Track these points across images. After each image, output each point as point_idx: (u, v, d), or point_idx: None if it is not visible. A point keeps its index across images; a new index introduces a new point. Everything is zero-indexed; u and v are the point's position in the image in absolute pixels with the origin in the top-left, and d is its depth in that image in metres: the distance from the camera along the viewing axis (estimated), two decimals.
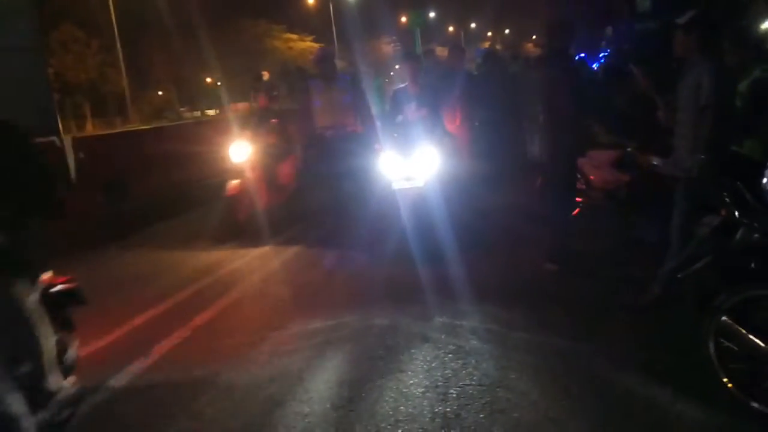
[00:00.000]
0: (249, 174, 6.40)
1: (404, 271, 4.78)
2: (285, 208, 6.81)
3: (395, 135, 5.58)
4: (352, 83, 6.00)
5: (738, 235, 2.62)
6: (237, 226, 6.32)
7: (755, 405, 2.54)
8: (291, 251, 5.84)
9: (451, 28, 54.50)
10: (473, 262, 4.80)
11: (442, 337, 3.61)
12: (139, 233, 7.25)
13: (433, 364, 3.29)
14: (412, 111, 5.60)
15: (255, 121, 6.80)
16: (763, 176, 2.58)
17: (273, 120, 6.77)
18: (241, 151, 6.51)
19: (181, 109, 43.51)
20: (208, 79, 44.93)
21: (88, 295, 3.22)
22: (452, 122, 6.54)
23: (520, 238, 5.44)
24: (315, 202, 6.73)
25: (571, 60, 4.83)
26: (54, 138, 7.75)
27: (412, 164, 5.27)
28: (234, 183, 6.34)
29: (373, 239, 5.53)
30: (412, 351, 3.47)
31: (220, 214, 6.53)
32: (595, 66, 14.28)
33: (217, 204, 6.65)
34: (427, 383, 3.10)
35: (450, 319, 3.84)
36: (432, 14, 46.70)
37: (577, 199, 5.62)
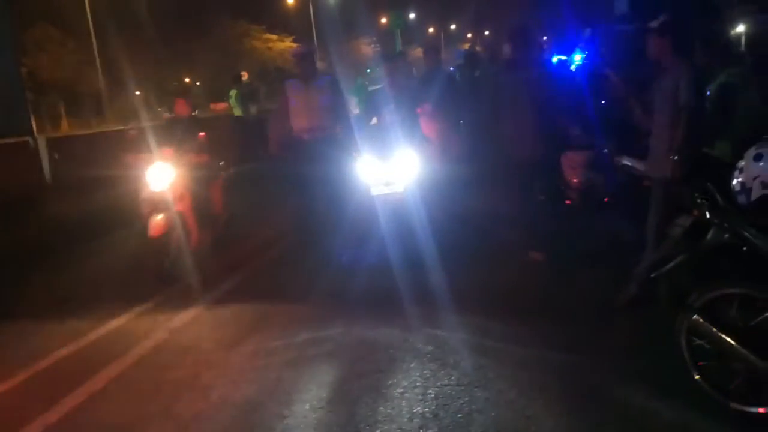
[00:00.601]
0: (173, 205, 5.11)
1: (383, 279, 4.56)
2: (221, 244, 5.81)
3: (373, 138, 5.35)
4: (331, 84, 5.59)
5: (709, 235, 2.68)
6: (163, 276, 5.03)
7: (726, 402, 2.59)
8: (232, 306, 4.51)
9: (431, 29, 54.68)
10: (454, 269, 4.62)
11: (421, 339, 3.61)
12: (106, 236, 7.07)
13: (411, 365, 3.31)
14: (389, 113, 5.45)
15: (178, 135, 5.47)
16: (732, 177, 2.64)
17: (200, 134, 5.57)
18: (161, 176, 5.11)
19: (159, 109, 43.04)
20: (187, 80, 44.53)
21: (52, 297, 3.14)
22: (431, 125, 6.49)
23: (502, 245, 5.24)
24: (262, 225, 6.56)
25: (534, 65, 4.86)
26: (28, 138, 7.63)
27: (391, 169, 5.09)
28: (157, 220, 4.97)
29: (352, 247, 5.25)
30: (391, 352, 3.48)
31: (144, 260, 5.15)
32: (573, 67, 14.44)
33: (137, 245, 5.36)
34: (406, 384, 3.11)
35: (429, 326, 3.79)
36: (412, 15, 46.81)
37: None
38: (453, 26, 56.93)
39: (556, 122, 4.76)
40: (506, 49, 5.78)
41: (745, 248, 2.53)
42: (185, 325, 4.21)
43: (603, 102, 7.86)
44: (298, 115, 5.44)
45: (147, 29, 32.74)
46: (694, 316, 2.65)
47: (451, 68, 10.57)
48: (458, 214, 5.85)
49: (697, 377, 2.68)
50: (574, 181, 5.81)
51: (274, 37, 44.35)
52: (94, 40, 30.68)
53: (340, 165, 5.37)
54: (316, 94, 5.37)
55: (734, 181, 2.63)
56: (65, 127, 34.62)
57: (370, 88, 6.40)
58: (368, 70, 28.28)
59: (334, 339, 3.72)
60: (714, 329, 2.61)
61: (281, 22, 43.54)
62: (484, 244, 5.29)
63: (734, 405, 2.56)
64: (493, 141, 5.79)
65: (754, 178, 2.52)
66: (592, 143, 5.84)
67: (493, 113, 4.97)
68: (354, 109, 8.57)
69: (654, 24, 3.64)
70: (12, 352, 3.99)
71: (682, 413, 2.67)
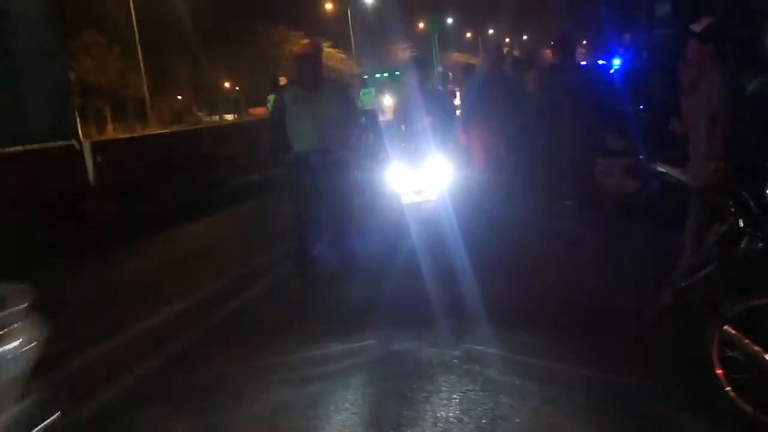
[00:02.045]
0: None
1: (413, 289, 4.45)
2: None
3: (404, 146, 5.23)
4: (340, 92, 4.69)
5: (742, 244, 2.61)
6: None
7: (758, 416, 2.52)
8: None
9: (468, 34, 54.51)
10: (484, 279, 4.42)
11: (448, 347, 3.57)
12: (148, 237, 7.31)
13: (437, 370, 3.31)
14: (420, 120, 5.32)
15: None
16: (767, 186, 2.58)
17: None
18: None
19: (200, 113, 44.02)
20: (227, 84, 45.42)
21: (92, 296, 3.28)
22: (478, 129, 6.07)
23: (534, 254, 5.00)
24: None
25: (575, 70, 4.86)
26: (73, 141, 7.92)
27: (422, 177, 4.99)
28: None
29: (383, 258, 5.07)
30: (417, 357, 3.48)
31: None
32: (612, 71, 14.21)
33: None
34: (431, 388, 3.12)
35: (457, 335, 3.71)
36: (450, 20, 46.77)
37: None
38: (491, 31, 56.60)
39: (594, 128, 4.72)
40: (548, 54, 5.78)
41: None
42: (217, 326, 4.31)
43: (641, 107, 7.73)
44: (301, 133, 4.38)
45: (188, 36, 33.60)
46: (727, 327, 2.59)
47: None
48: (491, 223, 5.66)
49: (727, 389, 2.61)
50: (611, 188, 5.72)
51: None
52: (138, 47, 31.60)
53: (355, 192, 4.74)
54: (323, 106, 4.38)
55: None
56: (110, 131, 35.79)
57: (401, 95, 6.10)
58: (365, 76, 29.18)
59: (363, 348, 3.70)
60: (747, 340, 2.54)
61: (319, 28, 44.03)
62: (516, 253, 5.10)
63: (764, 418, 2.49)
64: (533, 146, 5.75)
65: None
66: (630, 149, 5.75)
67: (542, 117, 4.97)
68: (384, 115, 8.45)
69: (696, 27, 3.55)
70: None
71: (709, 426, 2.61)
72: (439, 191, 5.03)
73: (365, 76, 30.30)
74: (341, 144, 4.46)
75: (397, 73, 32.79)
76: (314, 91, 4.39)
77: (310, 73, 4.39)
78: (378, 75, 31.88)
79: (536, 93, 6.07)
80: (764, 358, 2.48)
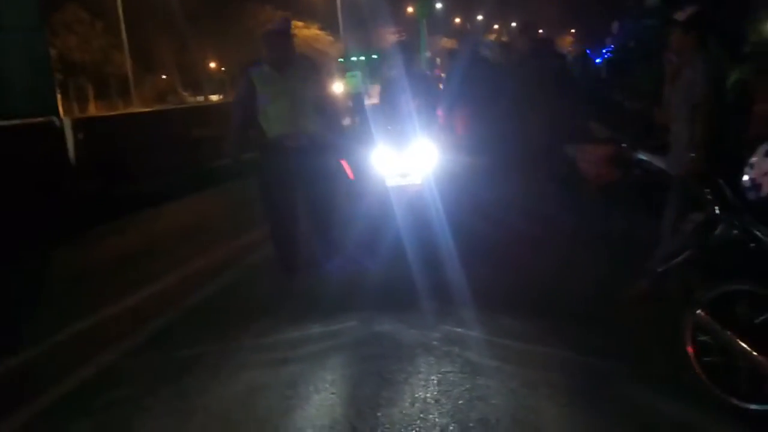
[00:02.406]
0: None
1: (396, 272, 4.41)
2: None
3: (389, 128, 5.17)
4: (313, 71, 4.45)
5: (717, 231, 2.65)
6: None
7: (728, 398, 2.58)
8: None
9: (457, 20, 54.22)
10: (468, 263, 4.43)
11: (428, 329, 3.59)
12: (129, 216, 7.24)
13: (416, 351, 3.34)
14: (405, 103, 5.27)
15: None
16: (743, 173, 2.61)
17: None
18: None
19: (184, 93, 43.49)
20: (212, 65, 44.86)
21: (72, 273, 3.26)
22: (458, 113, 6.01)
23: (518, 237, 5.00)
24: None
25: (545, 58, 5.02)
26: (53, 118, 7.79)
27: (407, 160, 4.95)
28: None
29: (367, 241, 4.97)
30: (397, 339, 3.51)
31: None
32: (598, 61, 14.25)
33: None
34: (410, 369, 3.14)
35: (438, 318, 3.73)
36: (439, 5, 46.45)
37: None
38: (480, 17, 56.37)
39: (570, 114, 4.76)
40: (520, 43, 5.81)
41: (753, 245, 2.51)
42: (198, 306, 4.30)
43: (625, 96, 7.78)
44: (273, 116, 4.14)
45: (174, 14, 33.06)
46: (700, 312, 2.64)
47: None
48: (475, 206, 5.59)
49: (699, 372, 2.66)
50: (593, 175, 5.76)
51: (300, 23, 44.34)
52: (122, 23, 31.05)
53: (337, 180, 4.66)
54: (297, 86, 4.14)
55: (745, 177, 2.60)
56: (93, 109, 35.23)
57: (385, 77, 6.00)
58: (340, 60, 28.88)
59: (343, 329, 3.70)
60: (719, 326, 2.59)
61: (307, 9, 43.54)
62: (500, 237, 5.10)
63: (736, 402, 2.55)
64: (515, 129, 5.80)
65: (765, 174, 2.49)
66: (613, 137, 5.79)
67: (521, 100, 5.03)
68: (369, 98, 8.39)
69: (680, 16, 3.57)
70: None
71: (683, 408, 2.66)
72: (425, 174, 5.02)
73: (341, 60, 29.86)
74: (319, 127, 4.24)
75: (375, 57, 31.49)
76: (285, 71, 4.13)
77: (282, 51, 4.14)
78: (354, 59, 31.15)
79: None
80: (734, 342, 2.53)
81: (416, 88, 5.38)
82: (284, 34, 4.21)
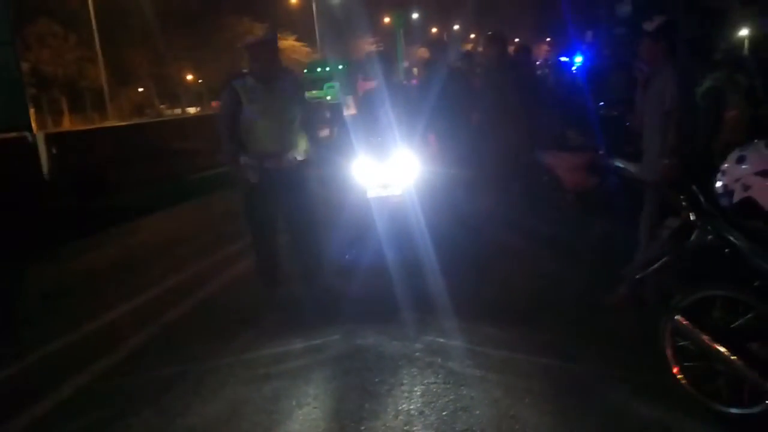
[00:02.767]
0: None
1: (378, 284, 4.39)
2: None
3: (370, 139, 5.09)
4: (298, 85, 4.30)
5: (693, 237, 2.69)
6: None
7: (707, 402, 2.61)
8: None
9: (434, 29, 54.66)
10: (448, 273, 4.41)
11: (410, 341, 3.58)
12: (106, 231, 7.15)
13: (399, 363, 3.32)
14: (385, 113, 5.19)
15: None
16: (716, 180, 2.66)
17: None
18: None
19: (161, 106, 43.12)
20: (189, 77, 44.58)
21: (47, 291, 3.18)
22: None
23: (498, 248, 5.12)
24: None
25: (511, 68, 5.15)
26: (26, 133, 7.67)
27: (388, 170, 4.91)
28: None
29: (347, 252, 4.99)
30: (380, 351, 3.49)
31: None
32: (574, 69, 14.45)
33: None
34: (393, 381, 3.13)
35: (420, 329, 3.72)
36: (415, 15, 46.82)
37: None
38: (456, 26, 56.89)
39: (546, 124, 4.83)
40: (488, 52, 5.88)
41: (727, 250, 2.55)
42: (177, 322, 4.23)
43: (601, 104, 7.89)
44: (256, 132, 3.96)
45: (150, 26, 32.83)
46: (678, 317, 2.67)
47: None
48: (456, 217, 5.59)
49: (679, 377, 2.70)
50: (570, 182, 5.83)
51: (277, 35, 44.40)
52: (96, 36, 30.72)
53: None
54: (281, 99, 3.98)
55: (717, 184, 2.64)
56: (67, 123, 34.74)
57: (365, 88, 5.95)
58: (305, 71, 27.89)
59: (325, 343, 3.65)
60: (697, 330, 2.63)
61: (284, 21, 43.54)
62: (480, 248, 5.15)
63: (715, 405, 2.58)
64: (492, 140, 5.84)
65: (736, 181, 2.53)
66: (589, 145, 5.86)
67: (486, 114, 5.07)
68: (348, 109, 8.34)
69: (648, 26, 3.65)
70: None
71: (663, 413, 2.69)
72: (405, 186, 4.98)
73: (305, 70, 28.80)
74: (304, 142, 4.14)
75: (341, 66, 30.51)
76: (271, 84, 3.95)
77: (267, 62, 3.93)
78: (320, 69, 30.12)
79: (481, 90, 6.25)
80: (712, 346, 2.57)
81: (396, 99, 5.36)
82: (270, 45, 4.01)
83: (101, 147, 9.50)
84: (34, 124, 8.01)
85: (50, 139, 8.39)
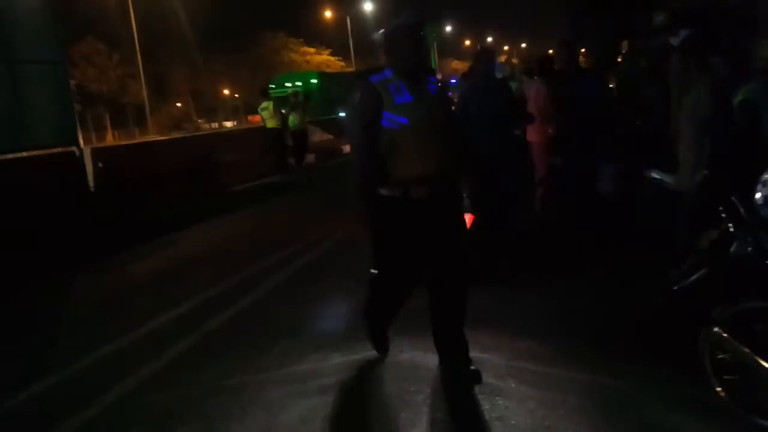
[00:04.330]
0: None
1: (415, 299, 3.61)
2: None
3: None
4: (441, 84, 3.32)
5: (732, 248, 2.67)
6: None
7: (747, 415, 2.58)
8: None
9: (467, 42, 54.75)
10: (482, 291, 4.07)
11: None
12: (149, 242, 7.37)
13: (434, 373, 3.35)
14: None
15: None
16: (756, 191, 2.64)
17: None
18: None
19: (199, 120, 44.15)
20: (226, 91, 45.60)
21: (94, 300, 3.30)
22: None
23: (534, 264, 5.00)
24: None
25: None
26: (74, 148, 7.99)
27: None
28: None
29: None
30: (414, 362, 3.52)
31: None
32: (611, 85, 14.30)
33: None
34: (428, 391, 3.16)
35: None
36: (448, 28, 47.01)
37: None
38: (490, 39, 56.86)
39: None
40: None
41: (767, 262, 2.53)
42: (217, 330, 4.35)
43: (636, 114, 7.82)
44: (412, 148, 2.87)
45: (188, 43, 33.77)
46: (717, 330, 2.65)
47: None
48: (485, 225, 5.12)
49: (719, 390, 2.67)
50: (605, 193, 5.81)
51: (312, 50, 45.08)
52: (138, 54, 31.76)
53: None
54: (440, 107, 3.03)
55: (758, 195, 2.62)
56: (110, 138, 35.87)
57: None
58: (271, 86, 22.10)
59: (364, 357, 3.60)
60: (737, 343, 2.60)
61: (319, 36, 44.22)
62: (514, 259, 5.16)
63: (755, 419, 2.54)
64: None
65: None
66: (624, 155, 5.84)
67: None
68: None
69: (674, 41, 3.65)
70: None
71: (702, 428, 2.66)
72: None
73: (271, 86, 23.23)
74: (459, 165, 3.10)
75: (314, 81, 27.32)
76: (420, 84, 2.96)
77: (419, 54, 2.94)
78: (289, 84, 25.23)
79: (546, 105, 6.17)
80: (753, 359, 2.53)
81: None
82: (419, 30, 2.97)
83: (144, 161, 9.82)
84: (80, 140, 8.32)
85: (96, 153, 8.73)
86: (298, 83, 25.56)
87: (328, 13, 44.94)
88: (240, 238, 7.46)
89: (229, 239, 7.42)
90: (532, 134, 6.59)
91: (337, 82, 26.67)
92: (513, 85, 8.14)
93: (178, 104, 43.66)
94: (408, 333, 3.80)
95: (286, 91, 20.25)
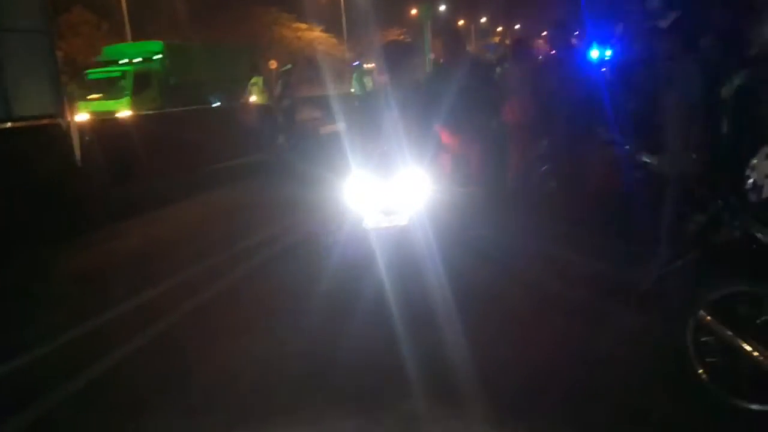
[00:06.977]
0: None
1: (377, 350, 3.31)
2: None
3: (370, 152, 4.06)
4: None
5: (720, 233, 2.68)
6: None
7: (729, 399, 2.60)
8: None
9: (461, 22, 54.26)
10: (468, 322, 3.53)
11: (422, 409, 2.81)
12: (134, 217, 7.29)
13: None
14: (392, 120, 4.09)
15: None
16: (745, 176, 2.64)
17: None
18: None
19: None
20: None
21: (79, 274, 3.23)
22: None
23: (541, 295, 4.03)
24: None
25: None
26: (59, 120, 7.83)
27: (392, 193, 3.91)
28: None
29: (338, 300, 3.89)
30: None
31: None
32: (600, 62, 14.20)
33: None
34: None
35: (432, 394, 2.89)
36: (442, 8, 46.49)
37: None
38: (483, 19, 56.40)
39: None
40: (540, 44, 5.82)
41: (754, 246, 2.53)
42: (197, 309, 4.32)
43: (627, 98, 7.79)
44: None
45: (178, 15, 33.17)
46: (701, 313, 2.66)
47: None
48: (477, 251, 4.50)
49: (701, 372, 2.69)
50: (596, 178, 5.79)
51: (304, 26, 44.42)
52: (127, 25, 31.12)
53: None
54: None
55: (748, 180, 2.62)
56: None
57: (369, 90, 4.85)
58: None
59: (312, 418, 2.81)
60: (721, 326, 2.61)
61: (311, 12, 43.57)
62: (507, 293, 4.10)
63: (735, 401, 2.57)
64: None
65: (766, 176, 2.51)
66: (615, 140, 5.81)
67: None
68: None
69: (663, 24, 3.62)
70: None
71: (683, 409, 2.68)
72: (413, 212, 3.93)
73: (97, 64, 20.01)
74: None
75: (158, 56, 19.77)
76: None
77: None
78: (123, 60, 19.71)
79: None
80: (736, 343, 2.55)
81: (406, 100, 4.24)
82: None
83: (134, 134, 9.69)
84: (67, 112, 8.16)
85: (83, 125, 8.58)
86: (137, 59, 19.40)
87: None
88: (229, 214, 7.40)
89: (213, 216, 7.35)
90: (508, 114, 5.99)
91: (195, 59, 20.25)
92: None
93: None
94: (368, 400, 2.91)
95: (114, 72, 17.68)
